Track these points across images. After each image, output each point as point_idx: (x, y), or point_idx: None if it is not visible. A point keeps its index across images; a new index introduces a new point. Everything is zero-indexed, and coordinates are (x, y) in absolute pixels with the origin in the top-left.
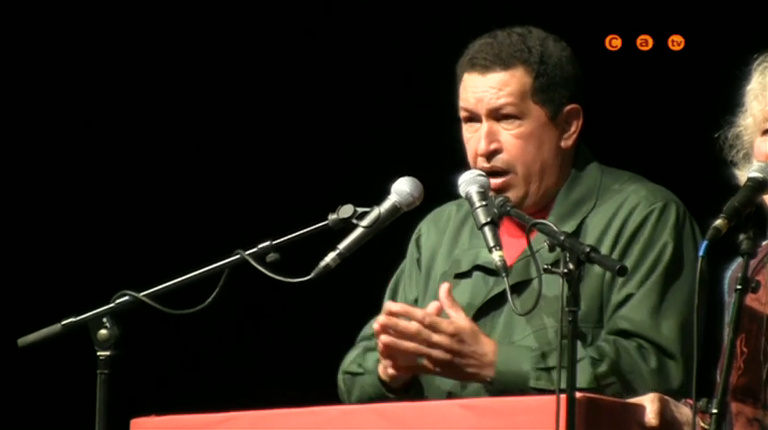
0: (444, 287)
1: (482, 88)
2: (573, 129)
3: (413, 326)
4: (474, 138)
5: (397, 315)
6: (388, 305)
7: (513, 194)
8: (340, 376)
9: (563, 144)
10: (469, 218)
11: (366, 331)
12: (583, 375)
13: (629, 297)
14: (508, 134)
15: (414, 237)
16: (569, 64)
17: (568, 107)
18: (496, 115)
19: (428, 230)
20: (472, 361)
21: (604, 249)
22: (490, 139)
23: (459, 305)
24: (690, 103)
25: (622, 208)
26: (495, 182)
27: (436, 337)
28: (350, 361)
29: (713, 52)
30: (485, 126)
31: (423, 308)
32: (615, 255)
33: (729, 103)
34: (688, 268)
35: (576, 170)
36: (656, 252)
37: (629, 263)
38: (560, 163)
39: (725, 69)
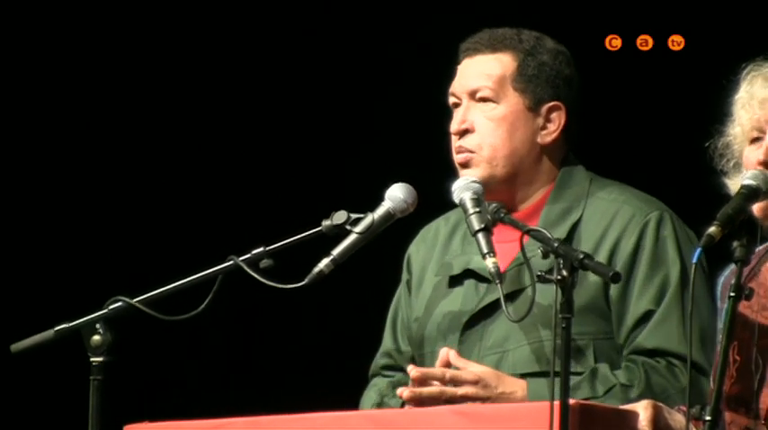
0: (452, 353)
1: (467, 72)
2: (554, 127)
3: (435, 389)
4: (453, 120)
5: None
6: (411, 374)
7: (475, 173)
8: None
9: (540, 140)
10: (459, 227)
11: (374, 368)
12: (617, 403)
13: (649, 313)
14: (481, 116)
15: (405, 259)
16: (563, 63)
17: (551, 103)
18: (474, 97)
19: (417, 249)
20: (503, 402)
21: (599, 259)
22: (463, 119)
23: (470, 362)
24: (690, 103)
25: (616, 219)
26: (458, 157)
27: (462, 391)
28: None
29: (713, 52)
30: (463, 107)
31: (415, 317)
32: (618, 268)
33: (729, 103)
34: (696, 278)
35: (563, 176)
36: (664, 265)
37: (638, 277)
38: (536, 159)
39: (725, 70)
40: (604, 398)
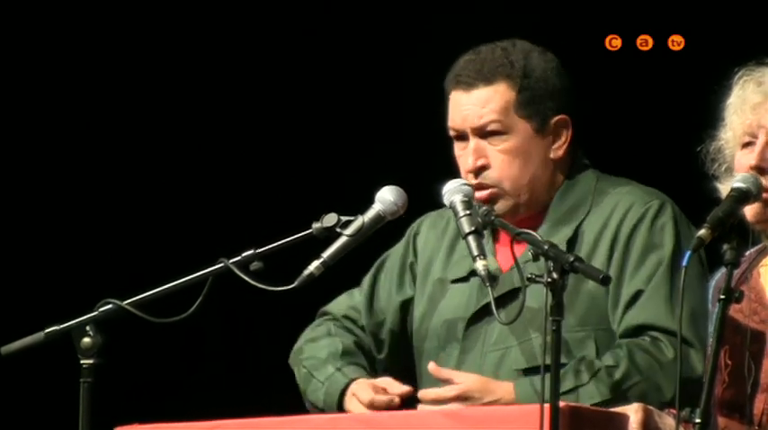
0: (432, 365)
1: (467, 106)
2: (562, 139)
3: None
4: (464, 155)
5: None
6: (396, 398)
7: (501, 206)
8: (298, 360)
9: (552, 155)
10: None
11: (336, 309)
12: (601, 387)
13: (639, 293)
14: (495, 150)
15: (410, 233)
16: (555, 76)
17: (556, 118)
18: (482, 132)
19: (427, 232)
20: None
21: (602, 250)
22: (477, 156)
23: (456, 372)
24: (690, 103)
25: (617, 208)
26: (481, 194)
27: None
28: (309, 355)
29: (713, 52)
30: (472, 143)
31: (418, 309)
32: (615, 255)
33: (722, 107)
34: (691, 262)
35: (571, 177)
36: (659, 247)
37: (631, 260)
38: (551, 173)
39: (725, 70)
40: (591, 383)
